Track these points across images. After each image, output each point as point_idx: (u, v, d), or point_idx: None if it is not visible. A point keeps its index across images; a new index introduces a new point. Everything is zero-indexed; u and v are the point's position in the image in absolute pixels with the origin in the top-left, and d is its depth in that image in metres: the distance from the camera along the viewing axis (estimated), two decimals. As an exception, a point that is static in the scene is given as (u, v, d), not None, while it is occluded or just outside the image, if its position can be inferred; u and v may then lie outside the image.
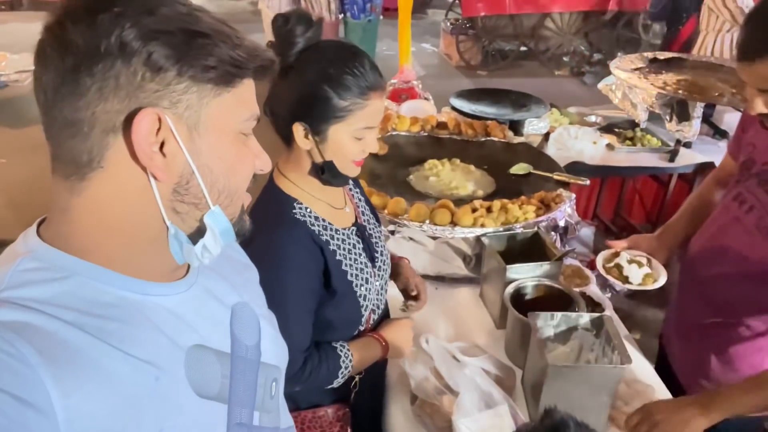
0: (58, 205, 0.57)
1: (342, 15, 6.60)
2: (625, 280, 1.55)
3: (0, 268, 0.55)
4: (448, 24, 7.38)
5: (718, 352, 1.38)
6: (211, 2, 9.62)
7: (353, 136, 1.06)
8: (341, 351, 1.16)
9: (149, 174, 0.55)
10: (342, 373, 1.15)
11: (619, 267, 1.56)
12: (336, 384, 1.17)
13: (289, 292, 1.07)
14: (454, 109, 2.67)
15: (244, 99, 0.60)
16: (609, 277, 1.50)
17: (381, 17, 6.65)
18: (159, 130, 0.53)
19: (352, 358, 1.16)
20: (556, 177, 1.97)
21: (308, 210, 1.11)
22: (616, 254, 1.62)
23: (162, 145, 0.54)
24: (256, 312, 0.76)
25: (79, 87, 0.51)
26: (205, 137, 0.57)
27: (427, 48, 7.86)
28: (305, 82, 1.02)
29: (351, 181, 1.29)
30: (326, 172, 1.09)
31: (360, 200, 1.30)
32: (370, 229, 1.27)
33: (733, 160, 1.50)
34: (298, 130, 1.04)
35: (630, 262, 1.56)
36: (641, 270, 1.55)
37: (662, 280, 1.54)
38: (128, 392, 0.53)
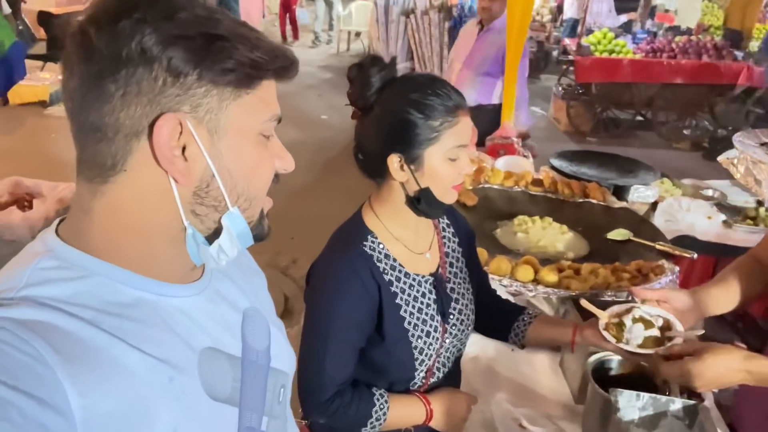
0: (80, 206, 0.58)
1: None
2: (622, 339, 1.22)
3: (18, 267, 0.56)
4: (560, 89, 7.29)
5: None
6: (325, 57, 10.28)
7: (447, 158, 1.04)
8: (377, 400, 1.09)
9: (171, 178, 0.56)
10: (372, 423, 1.09)
11: (622, 325, 1.25)
12: None
13: (333, 320, 1.04)
14: (553, 168, 2.58)
15: (265, 100, 0.60)
16: (605, 333, 1.20)
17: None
18: (180, 134, 0.54)
19: (387, 411, 1.09)
20: (658, 247, 1.81)
21: (380, 246, 1.09)
22: (630, 311, 1.28)
23: (183, 149, 0.55)
24: (266, 318, 0.75)
25: (104, 93, 0.53)
26: (225, 140, 0.57)
27: (536, 111, 7.78)
28: (391, 112, 1.03)
29: (458, 237, 1.25)
30: (422, 202, 1.06)
31: (454, 251, 1.25)
32: (455, 284, 1.21)
33: None
34: (393, 161, 1.04)
35: (636, 321, 1.25)
36: (647, 332, 1.23)
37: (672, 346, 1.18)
38: (144, 391, 0.53)
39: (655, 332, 1.22)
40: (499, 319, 1.32)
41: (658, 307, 1.27)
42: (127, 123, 0.53)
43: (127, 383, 0.52)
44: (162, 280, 0.60)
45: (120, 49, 0.52)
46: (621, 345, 1.18)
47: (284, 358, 0.76)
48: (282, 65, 0.60)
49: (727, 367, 1.04)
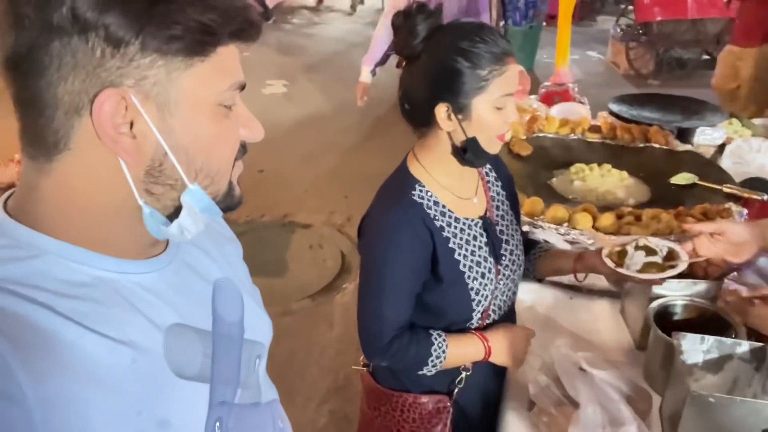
0: (27, 183, 0.54)
1: (503, 22, 6.49)
2: (623, 265, 1.23)
3: None
4: (618, 30, 6.90)
5: None
6: (371, 13, 10.07)
7: (495, 107, 1.04)
8: (435, 339, 1.13)
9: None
10: (432, 361, 1.13)
11: (624, 252, 1.26)
12: (427, 372, 1.15)
13: (388, 269, 1.08)
14: (612, 114, 2.48)
15: (223, 68, 0.54)
16: (606, 259, 1.21)
17: (544, 24, 6.43)
18: (126, 110, 0.50)
19: (445, 349, 1.13)
20: (725, 189, 1.73)
21: (429, 193, 1.11)
22: (635, 240, 1.29)
23: (132, 125, 0.50)
24: (239, 287, 0.72)
25: (38, 66, 0.48)
26: (177, 115, 0.52)
27: (592, 56, 7.43)
28: (438, 61, 1.02)
29: (500, 181, 1.26)
30: (469, 151, 1.07)
31: (498, 194, 1.26)
32: (502, 226, 1.22)
33: None
34: (441, 111, 1.04)
35: (638, 248, 1.24)
36: (648, 258, 1.22)
37: (671, 273, 1.20)
38: (104, 375, 0.51)
39: (656, 259, 1.23)
40: None
41: (713, 239, 1.25)
42: (66, 99, 0.49)
43: (86, 367, 0.50)
44: (121, 257, 0.56)
45: (49, 16, 0.46)
46: (620, 270, 1.20)
47: (259, 327, 0.73)
48: (239, 27, 0.53)
49: None
